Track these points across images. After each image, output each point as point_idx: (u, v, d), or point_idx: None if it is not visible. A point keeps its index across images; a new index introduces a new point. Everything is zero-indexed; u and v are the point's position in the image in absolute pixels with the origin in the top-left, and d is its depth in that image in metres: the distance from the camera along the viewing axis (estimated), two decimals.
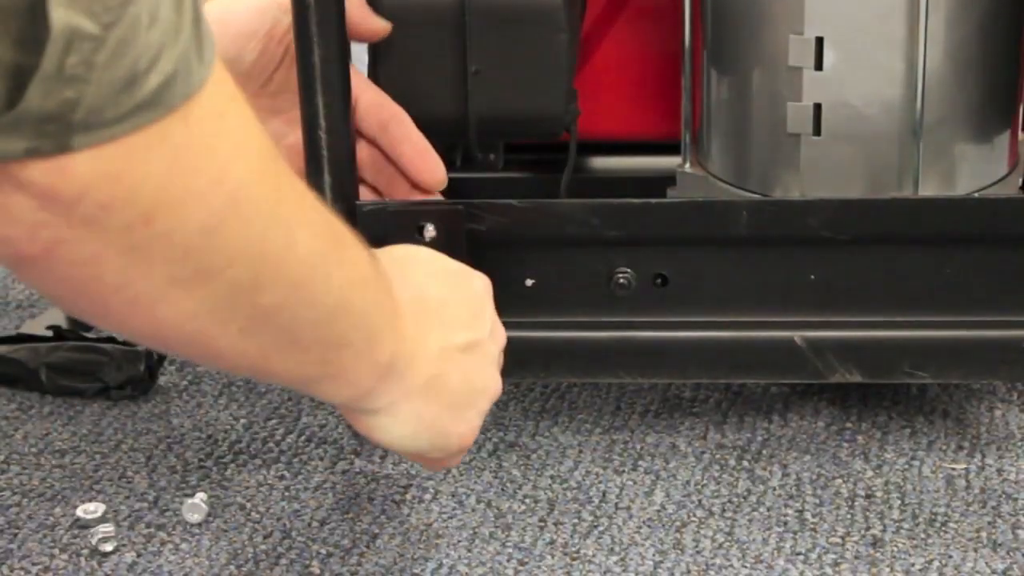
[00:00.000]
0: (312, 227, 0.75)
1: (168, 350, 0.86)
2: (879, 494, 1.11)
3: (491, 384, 0.94)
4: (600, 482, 1.14)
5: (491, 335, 0.94)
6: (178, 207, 0.65)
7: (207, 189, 0.66)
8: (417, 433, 0.91)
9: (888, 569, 1.04)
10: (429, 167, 1.08)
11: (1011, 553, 1.05)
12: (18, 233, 0.62)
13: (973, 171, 1.13)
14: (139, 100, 0.61)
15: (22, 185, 0.61)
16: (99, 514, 1.10)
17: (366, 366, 0.84)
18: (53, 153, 0.60)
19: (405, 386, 0.88)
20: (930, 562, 1.04)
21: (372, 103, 1.08)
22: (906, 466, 1.14)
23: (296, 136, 1.04)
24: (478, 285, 0.95)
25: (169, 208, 0.64)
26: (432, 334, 0.89)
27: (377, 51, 1.09)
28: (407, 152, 1.08)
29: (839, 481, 1.13)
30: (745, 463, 1.15)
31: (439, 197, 1.12)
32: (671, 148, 1.21)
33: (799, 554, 1.05)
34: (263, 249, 0.71)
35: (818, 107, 1.09)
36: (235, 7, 1.04)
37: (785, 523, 1.08)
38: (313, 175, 1.05)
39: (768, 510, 1.10)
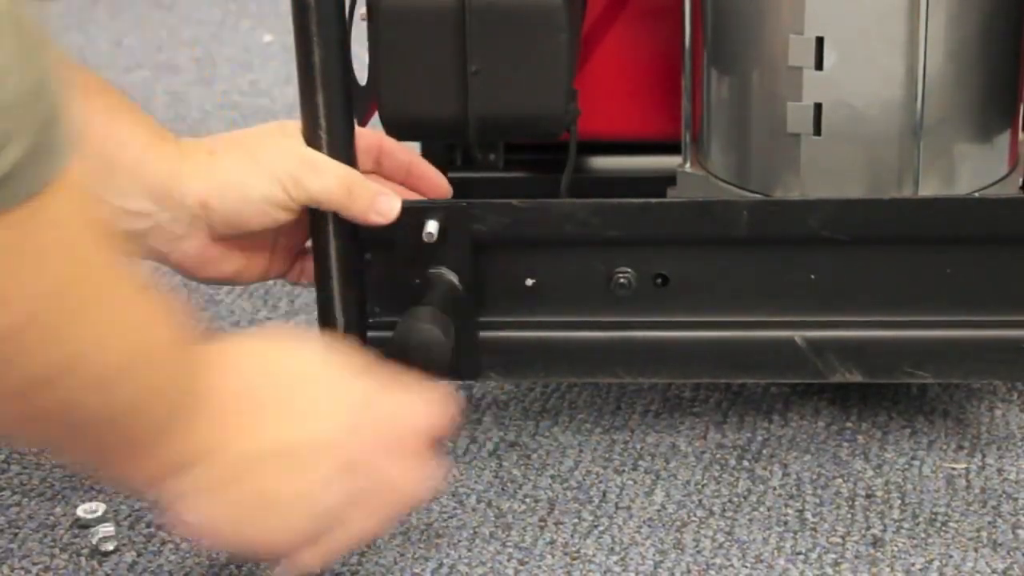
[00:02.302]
0: (117, 340, 0.78)
1: None
2: (879, 494, 1.11)
3: (312, 494, 0.91)
4: (600, 482, 1.14)
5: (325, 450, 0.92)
6: None
7: (12, 296, 0.69)
8: (214, 527, 0.90)
9: (888, 569, 1.04)
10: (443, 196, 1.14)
11: (1011, 553, 1.05)
12: None
13: (973, 171, 1.13)
14: None
15: None
16: (99, 514, 1.10)
17: (151, 463, 0.86)
18: None
19: (195, 484, 0.88)
20: (930, 562, 1.04)
21: (395, 148, 1.12)
22: (906, 466, 1.15)
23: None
24: (351, 396, 0.93)
25: None
26: (240, 437, 0.89)
27: (377, 51, 1.09)
28: (424, 189, 1.13)
29: (839, 481, 1.13)
30: (745, 463, 1.15)
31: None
32: (671, 148, 1.21)
33: (799, 554, 1.05)
34: (49, 358, 0.74)
35: (818, 107, 1.09)
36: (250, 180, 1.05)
37: (785, 523, 1.08)
38: None
39: (768, 510, 1.10)
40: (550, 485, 1.13)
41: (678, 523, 1.09)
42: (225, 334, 0.87)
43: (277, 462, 0.90)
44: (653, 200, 1.07)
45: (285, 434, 0.90)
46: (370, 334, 1.11)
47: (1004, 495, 1.11)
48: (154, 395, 0.83)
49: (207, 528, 0.91)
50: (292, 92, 1.33)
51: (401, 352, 1.04)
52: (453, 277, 1.08)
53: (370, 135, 1.11)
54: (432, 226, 1.06)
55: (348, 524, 0.94)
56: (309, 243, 1.12)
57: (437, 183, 1.14)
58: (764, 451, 1.16)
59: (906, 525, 1.08)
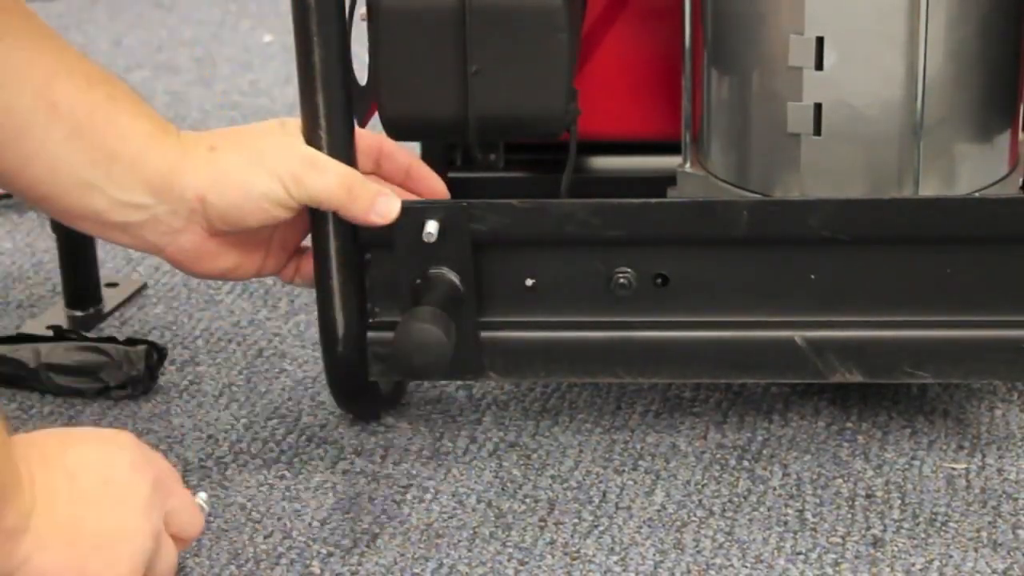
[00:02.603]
0: None
1: None
2: (879, 494, 1.11)
3: (138, 523, 0.93)
4: (600, 482, 1.14)
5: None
6: None
7: None
8: None
9: (888, 569, 1.04)
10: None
11: (1011, 553, 1.05)
12: None
13: (973, 171, 1.14)
14: None
15: None
16: None
17: None
18: None
19: (39, 537, 0.88)
20: (930, 562, 1.04)
21: (395, 150, 1.12)
22: (906, 466, 1.15)
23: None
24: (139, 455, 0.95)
25: None
26: (61, 495, 0.90)
27: (377, 51, 1.09)
28: (422, 192, 1.14)
29: (839, 481, 1.13)
30: (745, 463, 1.15)
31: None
32: (671, 148, 1.21)
33: (799, 554, 1.05)
34: None
35: (818, 107, 1.09)
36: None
37: (785, 523, 1.08)
38: None
39: (768, 510, 1.10)
40: (550, 485, 1.13)
41: (678, 523, 1.09)
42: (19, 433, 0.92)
43: (100, 502, 0.91)
44: (653, 200, 1.07)
45: (100, 478, 0.92)
46: (370, 334, 1.11)
47: (1004, 495, 1.11)
48: None
49: None
50: (292, 92, 1.34)
51: (402, 352, 1.04)
52: (453, 277, 1.08)
53: (370, 137, 1.11)
54: (432, 226, 1.06)
55: (168, 546, 0.96)
56: (305, 242, 1.12)
57: (435, 187, 1.14)
58: (764, 451, 1.16)
59: (906, 525, 1.08)
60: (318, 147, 1.05)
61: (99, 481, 0.92)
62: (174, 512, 0.96)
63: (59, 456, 0.92)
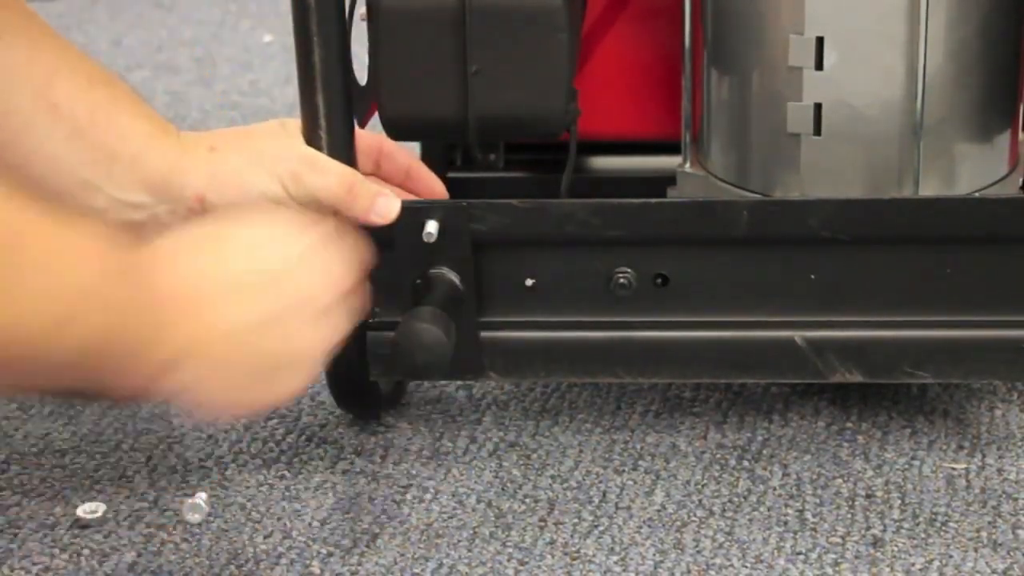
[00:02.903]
0: (51, 299, 0.79)
1: None
2: (879, 494, 1.11)
3: (309, 344, 0.94)
4: (600, 482, 1.14)
5: (317, 290, 0.94)
6: None
7: None
8: (221, 401, 0.92)
9: (888, 569, 1.04)
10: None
11: (1011, 553, 1.05)
12: None
13: (973, 171, 1.13)
14: None
15: None
16: (99, 514, 1.10)
17: (132, 379, 0.87)
18: None
19: (191, 375, 0.89)
20: (930, 562, 1.04)
21: (395, 150, 1.12)
22: (906, 466, 1.15)
23: None
24: (300, 247, 0.95)
25: None
26: (214, 320, 0.90)
27: (377, 51, 1.09)
28: (422, 193, 1.14)
29: (839, 481, 1.13)
30: (745, 463, 1.15)
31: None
32: (671, 148, 1.21)
33: (799, 554, 1.05)
34: None
35: (818, 107, 1.09)
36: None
37: (785, 523, 1.08)
38: None
39: (768, 510, 1.10)
40: (550, 485, 1.13)
41: (678, 523, 1.09)
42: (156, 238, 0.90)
43: (264, 331, 0.92)
44: (653, 200, 1.07)
45: (255, 310, 0.92)
46: (370, 335, 1.11)
47: (1004, 495, 1.11)
48: (110, 329, 0.83)
49: (220, 409, 0.92)
50: (292, 92, 1.33)
51: (402, 352, 1.04)
52: (453, 277, 1.08)
53: (370, 137, 1.11)
54: (432, 226, 1.06)
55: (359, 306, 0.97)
56: None
57: (434, 187, 1.14)
58: (764, 451, 1.16)
59: (906, 525, 1.08)
60: (318, 147, 1.05)
61: (270, 303, 0.92)
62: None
63: (218, 278, 0.91)
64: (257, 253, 0.94)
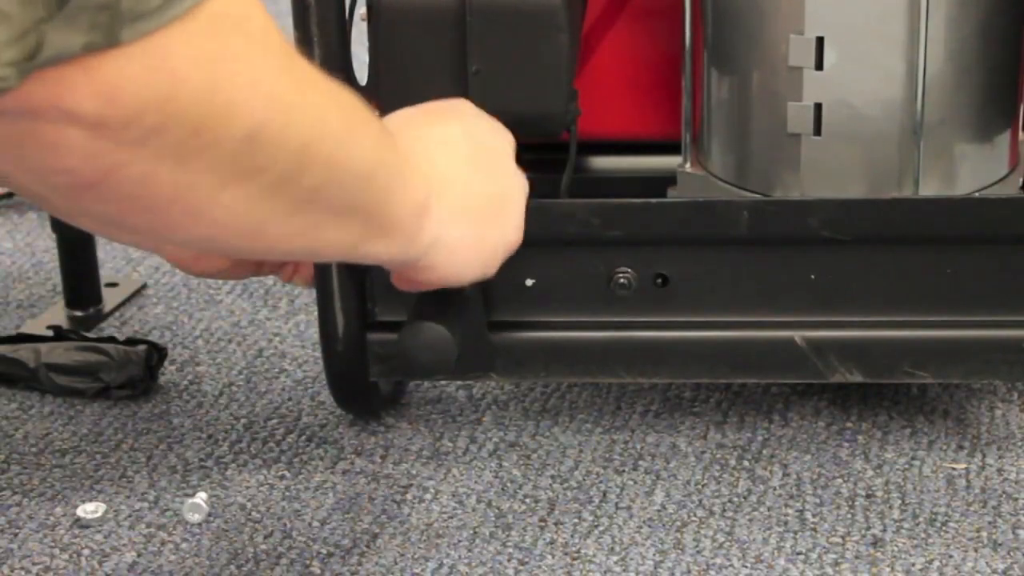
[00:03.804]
0: (337, 107, 0.79)
1: (222, 249, 0.90)
2: (879, 494, 1.11)
3: (516, 185, 0.97)
4: (600, 482, 1.14)
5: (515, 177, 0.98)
6: (222, 118, 0.68)
7: (247, 96, 0.69)
8: (467, 258, 0.93)
9: (888, 569, 1.04)
10: None
11: (1011, 553, 1.05)
12: (74, 164, 0.66)
13: (973, 171, 1.13)
14: None
15: (75, 118, 0.63)
16: (99, 514, 1.10)
17: (406, 209, 0.87)
18: (105, 47, 0.62)
19: (443, 216, 0.90)
20: (930, 562, 1.04)
21: None
22: (906, 466, 1.14)
23: None
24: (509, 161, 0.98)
25: (214, 120, 0.68)
26: (445, 165, 0.92)
27: (377, 51, 1.09)
28: None
29: (839, 481, 1.13)
30: (745, 463, 1.15)
31: None
32: (671, 148, 1.21)
33: (799, 554, 1.05)
34: (300, 139, 0.74)
35: (818, 107, 1.09)
36: None
37: (785, 523, 1.08)
38: None
39: (768, 510, 1.10)
40: (550, 485, 1.13)
41: (678, 523, 1.09)
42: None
43: (480, 170, 0.94)
44: (653, 200, 1.07)
45: (474, 148, 0.95)
46: (370, 335, 1.11)
47: (1004, 495, 1.11)
48: (384, 150, 0.85)
49: (456, 270, 0.93)
50: None
51: (408, 352, 1.04)
52: None
53: None
54: None
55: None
56: None
57: None
58: (764, 451, 1.16)
59: (906, 525, 1.08)
60: None
61: (474, 151, 0.94)
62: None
63: (430, 137, 0.93)
64: (459, 118, 0.97)
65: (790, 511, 1.10)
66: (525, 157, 1.27)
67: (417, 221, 0.89)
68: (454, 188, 0.92)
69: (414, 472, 1.15)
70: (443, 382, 1.25)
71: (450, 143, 0.94)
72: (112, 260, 1.47)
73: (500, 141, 0.98)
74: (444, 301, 1.05)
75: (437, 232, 0.90)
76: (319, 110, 0.77)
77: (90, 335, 1.31)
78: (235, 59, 0.68)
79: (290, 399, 1.25)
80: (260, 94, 0.70)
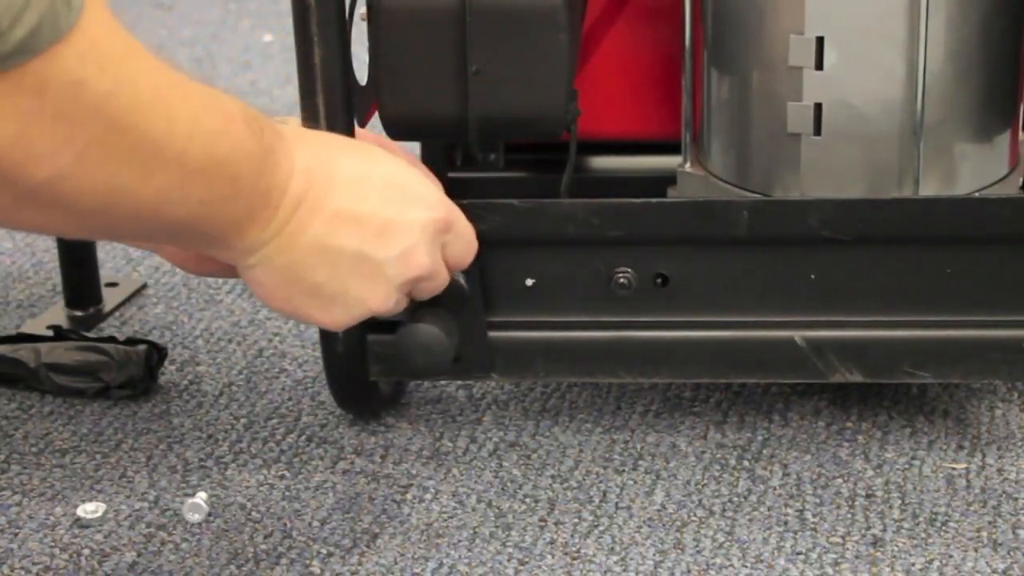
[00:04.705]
0: (195, 142, 0.81)
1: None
2: (879, 494, 1.11)
3: (372, 296, 0.95)
4: (600, 482, 1.14)
5: (400, 260, 0.95)
6: (15, 169, 0.73)
7: (66, 137, 0.73)
8: (273, 300, 0.94)
9: (888, 569, 1.04)
10: None
11: (1011, 553, 1.05)
12: None
13: (973, 171, 1.13)
14: (7, 50, 0.69)
15: None
16: (99, 514, 1.10)
17: (220, 249, 0.90)
18: None
19: (264, 261, 0.91)
20: (930, 562, 1.04)
21: (395, 151, 1.11)
22: (906, 466, 1.15)
23: None
24: (416, 213, 0.96)
25: (7, 170, 0.72)
26: (312, 229, 0.91)
27: (377, 51, 1.09)
28: None
29: (839, 481, 1.13)
30: (745, 463, 1.15)
31: None
32: (671, 148, 1.21)
33: (799, 554, 1.05)
34: (95, 194, 0.77)
35: (818, 107, 1.09)
36: None
37: (785, 523, 1.08)
38: None
39: (768, 510, 1.10)
40: (550, 485, 1.14)
41: (678, 523, 1.09)
42: (287, 128, 0.92)
43: (347, 263, 0.94)
44: (653, 200, 1.07)
45: (351, 242, 0.93)
46: (370, 335, 1.11)
47: (1004, 495, 1.11)
48: (229, 194, 0.85)
49: (267, 297, 0.94)
50: (292, 92, 1.34)
51: (404, 352, 1.04)
52: (459, 277, 1.07)
53: (371, 138, 1.11)
54: None
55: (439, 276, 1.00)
56: None
57: None
58: (764, 451, 1.16)
59: (906, 525, 1.08)
60: None
61: (356, 252, 0.94)
62: (447, 244, 0.99)
63: (344, 166, 0.94)
64: (385, 202, 0.95)
65: (790, 511, 1.10)
66: (525, 157, 1.28)
67: (242, 255, 0.91)
68: (291, 251, 0.91)
69: (414, 472, 1.15)
70: (443, 382, 1.25)
71: (348, 229, 0.93)
72: (112, 260, 1.47)
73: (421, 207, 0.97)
74: (441, 303, 1.05)
75: (254, 263, 0.92)
76: (113, 168, 0.78)
77: (90, 335, 1.31)
78: (38, 116, 0.72)
79: (290, 399, 1.25)
80: (65, 151, 0.74)
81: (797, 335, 1.09)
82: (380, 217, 0.94)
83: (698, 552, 1.06)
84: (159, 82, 0.79)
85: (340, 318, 0.96)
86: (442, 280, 1.00)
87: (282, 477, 1.15)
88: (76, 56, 0.72)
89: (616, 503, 1.11)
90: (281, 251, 0.91)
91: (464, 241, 1.02)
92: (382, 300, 0.96)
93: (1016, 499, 1.10)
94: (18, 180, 0.73)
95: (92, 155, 0.75)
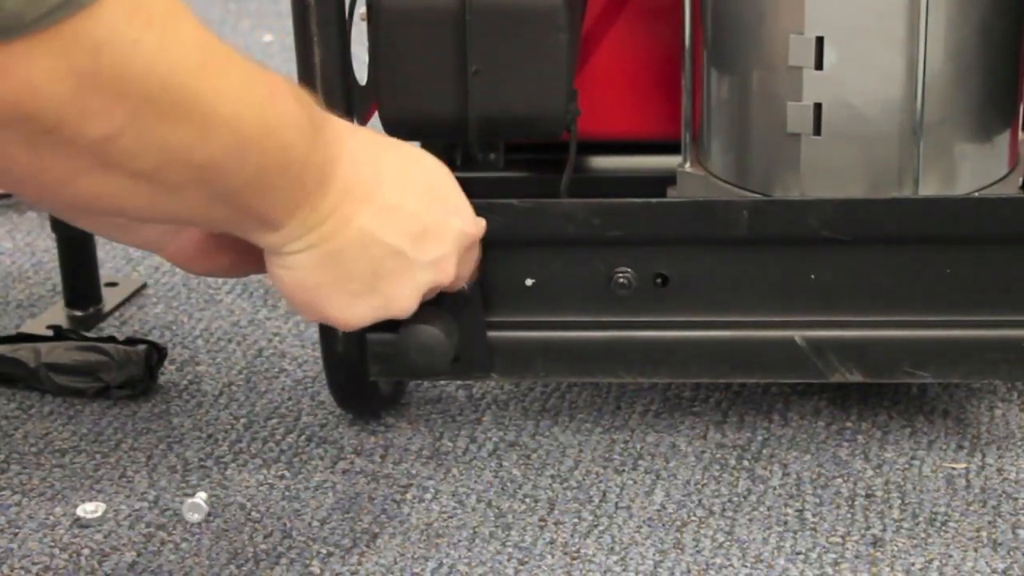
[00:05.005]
0: (244, 104, 0.80)
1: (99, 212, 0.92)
2: (879, 494, 1.11)
3: (398, 298, 0.95)
4: (600, 481, 1.14)
5: (432, 265, 0.96)
6: (73, 123, 0.72)
7: (102, 105, 0.73)
8: (300, 290, 0.93)
9: (888, 569, 1.04)
10: None
11: (1011, 553, 1.05)
12: None
13: (973, 171, 1.13)
14: (51, 4, 0.68)
15: None
16: (99, 514, 1.10)
17: (264, 230, 0.89)
18: None
19: (307, 247, 0.90)
20: (930, 561, 1.04)
21: None
22: (906, 465, 1.15)
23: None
24: (454, 223, 0.96)
25: (65, 124, 0.72)
26: (360, 218, 0.91)
27: (377, 51, 1.09)
28: None
29: (839, 481, 1.13)
30: (745, 463, 1.15)
31: None
32: (671, 148, 1.21)
33: (799, 554, 1.05)
34: (159, 145, 0.77)
35: (818, 107, 1.09)
36: None
37: (785, 523, 1.09)
38: None
39: (768, 510, 1.10)
40: (550, 485, 1.14)
41: (678, 523, 1.09)
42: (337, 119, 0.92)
43: (383, 257, 0.93)
44: (653, 200, 1.07)
45: (393, 238, 0.93)
46: (370, 335, 1.11)
47: (1004, 495, 1.11)
48: (284, 164, 0.85)
49: (294, 287, 0.93)
50: None
51: (403, 352, 1.04)
52: None
53: None
54: None
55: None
56: None
57: None
58: (764, 451, 1.16)
59: (906, 525, 1.08)
60: None
61: (394, 248, 0.93)
62: (464, 260, 1.00)
63: (391, 159, 0.93)
64: (427, 206, 0.95)
65: (790, 511, 1.10)
66: (525, 157, 1.28)
67: (279, 242, 0.90)
68: (334, 236, 0.91)
69: (414, 472, 1.15)
70: (443, 382, 1.25)
71: (390, 222, 0.93)
72: (112, 260, 1.47)
73: (452, 215, 0.97)
74: (441, 303, 1.05)
75: (290, 260, 0.91)
76: (211, 128, 0.78)
77: (90, 335, 1.31)
78: (92, 75, 0.72)
79: (290, 399, 1.25)
80: (119, 108, 0.74)
81: (797, 335, 1.09)
82: (423, 220, 0.94)
83: (698, 552, 1.06)
84: (205, 46, 0.78)
85: (359, 317, 0.95)
86: (452, 290, 1.01)
87: (282, 477, 1.15)
88: (125, 15, 0.72)
89: (616, 503, 1.11)
90: (328, 237, 0.91)
91: (476, 257, 1.03)
92: (406, 303, 0.96)
93: (1016, 499, 1.10)
94: (75, 139, 0.73)
95: (146, 112, 0.75)
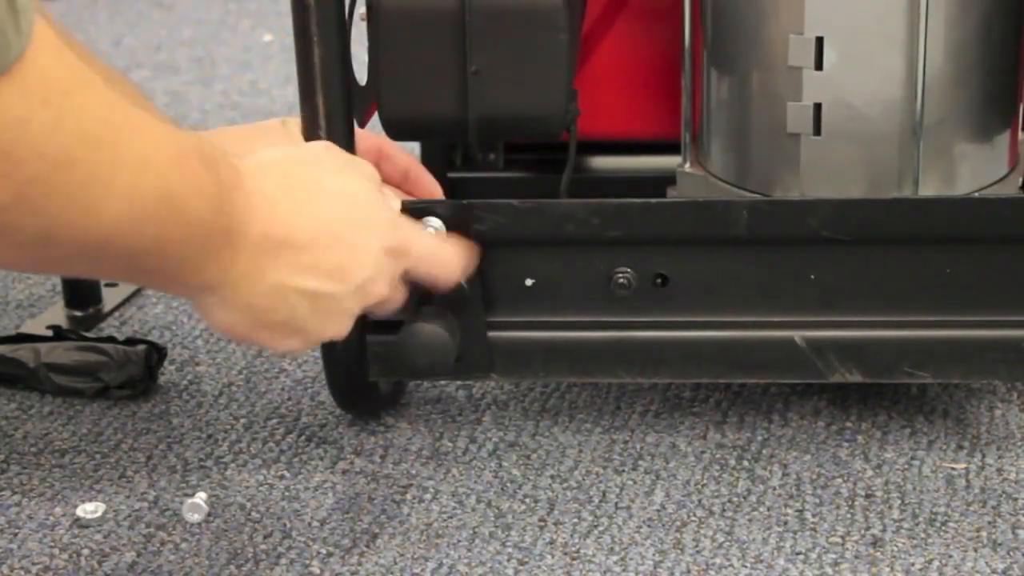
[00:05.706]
0: (143, 174, 0.79)
1: None
2: (879, 494, 1.11)
3: (328, 328, 0.95)
4: (600, 482, 1.14)
5: (358, 292, 0.94)
6: None
7: (3, 174, 0.72)
8: (230, 333, 0.93)
9: (888, 569, 1.04)
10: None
11: (1011, 553, 1.05)
12: None
13: (973, 171, 1.14)
14: None
15: None
16: (99, 514, 1.10)
17: (174, 287, 0.89)
18: None
19: (221, 300, 0.90)
20: (930, 562, 1.04)
21: (394, 151, 1.12)
22: (906, 466, 1.15)
23: None
24: (371, 244, 0.95)
25: None
26: (273, 272, 0.90)
27: (377, 51, 1.09)
28: (419, 194, 1.14)
29: (839, 481, 1.13)
30: (745, 463, 1.15)
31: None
32: (671, 148, 1.21)
33: (799, 554, 1.05)
34: (45, 222, 0.76)
35: (818, 107, 1.09)
36: None
37: (785, 523, 1.08)
38: None
39: (768, 510, 1.10)
40: (550, 485, 1.14)
41: (678, 523, 1.09)
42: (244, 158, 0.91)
43: (303, 301, 0.92)
44: (653, 200, 1.07)
45: (309, 281, 0.92)
46: (370, 335, 1.11)
47: (1004, 495, 1.11)
48: (185, 233, 0.84)
49: (223, 330, 0.92)
50: (292, 92, 1.34)
51: (406, 352, 1.04)
52: None
53: (371, 138, 1.11)
54: (434, 224, 1.06)
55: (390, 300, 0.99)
56: None
57: (431, 189, 1.14)
58: (764, 451, 1.16)
59: (906, 525, 1.08)
60: None
61: (313, 290, 0.93)
62: (412, 268, 0.99)
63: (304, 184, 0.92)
64: (341, 232, 0.94)
65: (790, 511, 1.10)
66: (525, 157, 1.28)
67: (196, 293, 0.89)
68: (249, 295, 0.90)
69: (414, 472, 1.15)
70: (443, 382, 1.25)
71: (304, 266, 0.92)
72: None
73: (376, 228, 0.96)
74: (443, 302, 1.05)
75: (209, 301, 0.90)
76: (101, 204, 0.77)
77: (90, 335, 1.31)
78: (10, 126, 0.71)
79: (290, 399, 1.25)
80: (3, 187, 0.73)
81: (797, 335, 1.09)
82: (337, 254, 0.93)
83: (698, 552, 1.06)
84: (108, 116, 0.77)
85: (293, 349, 0.95)
86: (398, 303, 1.00)
87: (282, 477, 1.15)
88: (19, 92, 0.71)
89: (616, 503, 1.11)
90: (243, 293, 0.90)
91: (435, 263, 1.01)
92: (337, 330, 0.95)
93: (1016, 499, 1.10)
94: None
95: (34, 192, 0.74)
